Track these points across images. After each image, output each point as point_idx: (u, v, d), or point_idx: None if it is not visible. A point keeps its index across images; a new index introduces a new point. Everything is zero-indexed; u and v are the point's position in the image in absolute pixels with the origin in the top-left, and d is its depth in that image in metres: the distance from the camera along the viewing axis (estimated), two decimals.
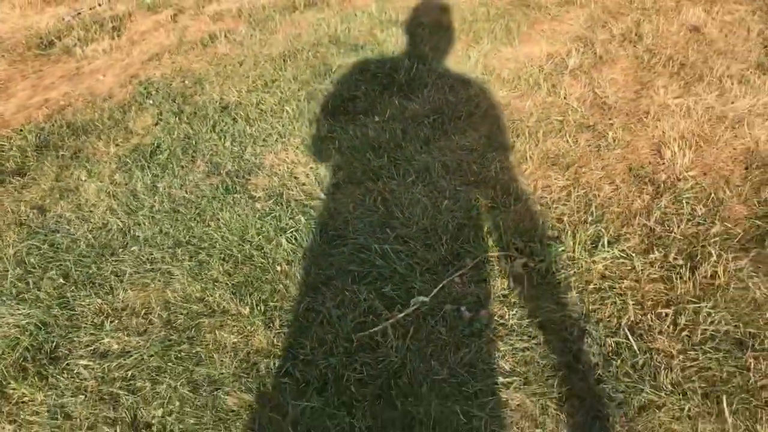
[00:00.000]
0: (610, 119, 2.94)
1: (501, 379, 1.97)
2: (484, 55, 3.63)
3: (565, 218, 2.47)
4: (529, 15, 4.00)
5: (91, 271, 2.56)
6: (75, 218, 2.89)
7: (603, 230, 2.37)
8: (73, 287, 2.51)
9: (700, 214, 2.38)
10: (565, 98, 3.14)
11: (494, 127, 3.03)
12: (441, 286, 2.27)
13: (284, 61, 3.90)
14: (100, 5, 5.51)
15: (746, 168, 2.56)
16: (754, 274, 2.14)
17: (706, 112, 2.86)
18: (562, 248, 2.32)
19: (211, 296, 2.36)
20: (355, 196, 2.75)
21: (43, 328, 2.36)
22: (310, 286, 2.34)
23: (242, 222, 2.67)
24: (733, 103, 2.89)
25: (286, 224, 2.63)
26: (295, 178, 2.90)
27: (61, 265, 2.63)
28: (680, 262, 2.23)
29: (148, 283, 2.48)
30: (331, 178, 2.85)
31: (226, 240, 2.59)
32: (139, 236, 2.71)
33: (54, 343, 2.29)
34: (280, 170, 2.96)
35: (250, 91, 3.66)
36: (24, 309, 2.43)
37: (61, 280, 2.55)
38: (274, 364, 2.10)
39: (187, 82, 3.90)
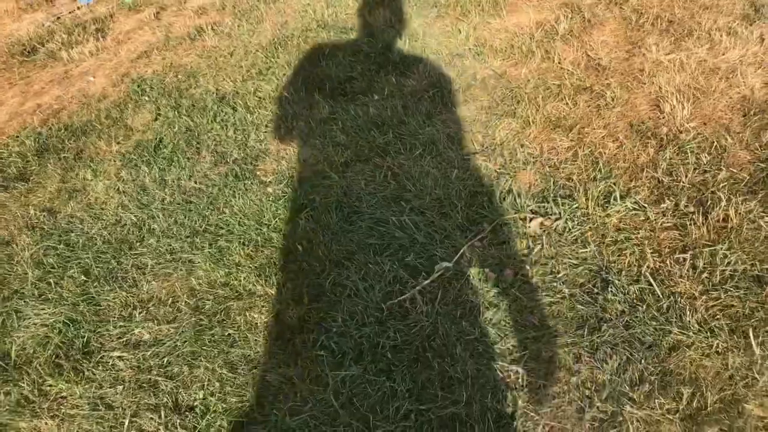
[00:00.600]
0: (606, 79, 2.99)
1: (532, 334, 2.02)
2: (473, 27, 3.66)
3: (575, 177, 2.51)
4: None
5: (111, 266, 2.57)
6: (87, 217, 2.89)
7: (613, 185, 2.42)
8: (95, 283, 2.51)
9: (705, 162, 2.44)
10: (559, 63, 3.18)
11: (493, 96, 3.07)
12: (462, 251, 2.30)
13: (275, 48, 3.90)
14: (79, 8, 5.45)
15: (744, 115, 2.61)
16: (764, 214, 2.20)
17: (699, 65, 2.91)
18: (576, 205, 2.37)
19: (236, 280, 2.38)
20: (365, 172, 2.77)
21: (71, 324, 2.37)
22: (334, 262, 2.37)
23: (257, 206, 2.69)
24: (723, 54, 2.95)
25: (301, 204, 2.65)
26: (304, 160, 2.91)
27: (80, 263, 2.64)
28: (691, 209, 2.29)
29: (170, 273, 2.50)
30: (340, 157, 2.87)
31: (243, 225, 2.61)
32: (155, 229, 2.72)
33: (85, 338, 2.30)
34: (287, 154, 2.98)
35: (245, 80, 3.66)
36: (49, 308, 2.44)
37: (83, 278, 2.55)
38: (309, 338, 2.13)
39: (180, 76, 3.89)
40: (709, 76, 2.84)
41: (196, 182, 2.93)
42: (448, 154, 2.77)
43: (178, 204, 2.82)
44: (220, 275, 2.42)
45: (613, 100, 2.85)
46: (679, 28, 3.20)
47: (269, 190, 2.78)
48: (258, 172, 2.92)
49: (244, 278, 2.38)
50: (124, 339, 2.27)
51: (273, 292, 2.30)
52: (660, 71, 2.93)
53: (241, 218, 2.65)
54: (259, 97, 3.45)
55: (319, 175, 2.81)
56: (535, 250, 2.27)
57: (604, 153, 2.60)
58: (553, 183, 2.51)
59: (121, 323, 2.32)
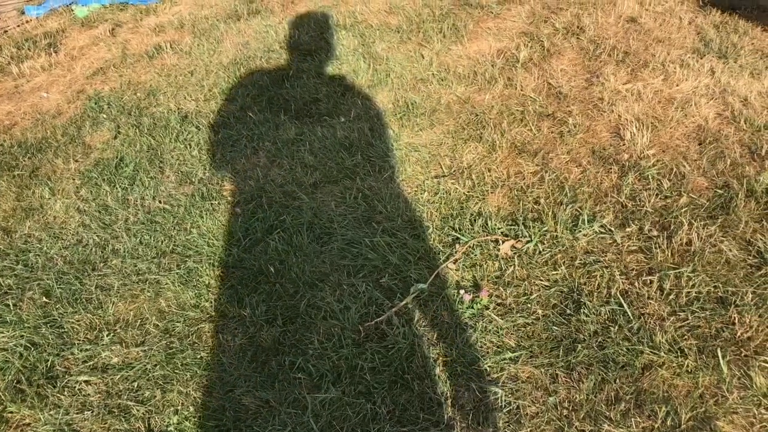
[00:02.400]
0: (567, 107, 3.08)
1: (509, 355, 2.04)
2: (436, 53, 3.72)
3: (542, 200, 2.57)
4: (473, 14, 4.12)
5: (74, 288, 2.48)
6: (46, 237, 2.78)
7: (579, 209, 2.48)
8: (58, 305, 2.42)
9: (666, 188, 2.53)
10: (521, 90, 3.25)
11: (458, 120, 3.11)
12: (436, 273, 2.31)
13: (238, 68, 3.87)
14: (28, 22, 5.29)
15: (700, 143, 2.73)
16: (723, 238, 2.29)
17: (656, 95, 3.03)
18: (546, 228, 2.42)
19: (207, 302, 2.33)
20: (335, 194, 2.77)
21: (33, 348, 2.27)
22: (308, 284, 2.35)
23: (226, 227, 2.64)
24: (677, 85, 3.08)
25: (271, 225, 2.62)
26: (272, 180, 2.89)
27: (40, 284, 2.53)
28: (655, 233, 2.36)
29: (137, 295, 2.43)
30: (309, 178, 2.86)
31: (213, 246, 2.56)
32: (119, 249, 2.64)
33: (49, 362, 2.21)
34: (254, 174, 2.94)
35: (207, 100, 3.62)
36: (8, 332, 2.33)
37: (44, 299, 2.45)
38: (285, 361, 2.09)
39: (139, 94, 3.81)
40: (665, 105, 2.95)
41: (160, 202, 2.86)
42: (417, 177, 2.79)
43: (143, 224, 2.75)
44: (190, 297, 2.36)
45: (575, 127, 2.93)
46: (634, 59, 3.32)
47: (237, 210, 2.74)
48: (225, 192, 2.87)
49: (216, 300, 2.33)
50: (91, 363, 2.18)
51: (246, 314, 2.25)
52: (619, 100, 3.04)
53: (209, 239, 2.60)
54: (224, 117, 3.41)
55: (289, 196, 2.78)
56: (508, 271, 2.30)
57: (569, 178, 2.66)
58: (522, 206, 2.56)
59: (87, 346, 2.23)
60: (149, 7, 5.16)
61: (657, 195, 2.50)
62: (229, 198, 2.83)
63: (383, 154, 2.95)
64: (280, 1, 4.77)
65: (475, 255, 2.37)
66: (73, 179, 3.12)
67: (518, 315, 2.15)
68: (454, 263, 2.36)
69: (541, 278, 2.27)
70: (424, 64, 3.63)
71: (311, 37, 4.13)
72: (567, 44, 3.58)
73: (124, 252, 2.62)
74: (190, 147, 3.19)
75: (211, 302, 2.31)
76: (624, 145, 2.80)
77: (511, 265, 2.31)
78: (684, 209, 2.41)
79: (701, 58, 3.22)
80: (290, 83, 3.61)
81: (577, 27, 3.72)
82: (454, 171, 2.81)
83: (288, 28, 4.28)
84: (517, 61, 3.49)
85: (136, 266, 2.54)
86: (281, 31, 4.25)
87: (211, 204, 2.80)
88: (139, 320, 2.31)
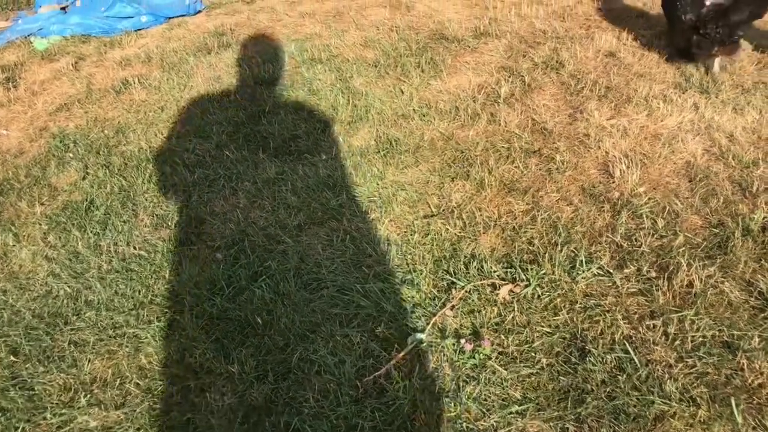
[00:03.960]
0: (553, 143, 3.05)
1: (515, 408, 1.96)
2: (416, 88, 3.68)
3: (536, 241, 2.52)
4: (450, 48, 4.11)
5: (45, 344, 2.33)
6: (11, 287, 2.62)
7: (575, 250, 2.43)
8: (27, 364, 2.26)
9: (660, 227, 2.51)
10: (505, 126, 3.23)
11: (444, 157, 3.07)
12: (433, 321, 2.24)
13: (211, 104, 3.77)
14: None
15: (690, 180, 2.72)
16: (723, 279, 2.26)
17: (642, 131, 3.03)
18: (543, 271, 2.36)
19: (192, 357, 2.21)
20: (321, 236, 2.68)
21: (0, 414, 2.10)
22: (298, 335, 2.24)
23: (207, 274, 2.53)
24: (662, 121, 3.09)
25: (256, 272, 2.51)
26: (254, 223, 2.78)
27: (6, 340, 2.37)
28: (654, 274, 2.33)
29: (115, 351, 2.29)
30: (292, 220, 2.76)
31: (194, 295, 2.44)
32: (93, 300, 2.49)
33: (19, 430, 2.05)
34: (234, 217, 2.83)
35: (180, 137, 3.50)
36: None
37: (11, 358, 2.29)
38: (279, 421, 1.98)
39: (107, 132, 3.67)
40: (652, 141, 2.95)
41: (135, 248, 2.73)
42: (405, 217, 2.72)
43: (118, 272, 2.61)
44: (173, 352, 2.24)
45: (563, 164, 2.90)
46: (617, 94, 3.33)
47: (219, 256, 2.62)
48: (204, 237, 2.76)
49: (200, 355, 2.20)
50: (67, 429, 2.03)
51: (234, 370, 2.13)
52: (605, 136, 3.03)
53: (191, 287, 2.47)
54: (199, 156, 3.30)
55: (273, 240, 2.68)
56: (508, 318, 2.23)
57: (561, 217, 2.62)
58: (516, 247, 2.50)
59: (62, 410, 2.08)
60: (113, 39, 5.03)
61: (652, 234, 2.48)
62: (208, 243, 2.72)
63: (369, 193, 2.87)
64: (251, 35, 4.69)
65: (473, 300, 2.30)
66: (40, 224, 2.96)
67: (522, 365, 2.08)
68: (452, 310, 2.28)
69: (543, 324, 2.21)
70: (405, 99, 3.59)
71: (286, 71, 4.05)
72: (547, 79, 3.58)
73: (99, 303, 2.48)
74: (165, 188, 3.07)
75: (196, 358, 2.19)
76: (614, 182, 2.78)
77: (510, 311, 2.25)
78: (681, 249, 2.38)
79: (683, 93, 3.25)
80: (267, 119, 3.53)
81: (556, 61, 3.73)
82: (443, 210, 2.75)
83: (261, 62, 4.20)
84: (499, 97, 3.47)
85: (112, 319, 2.40)
86: (254, 65, 4.17)
87: (190, 249, 2.68)
88: (119, 379, 2.17)
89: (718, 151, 2.85)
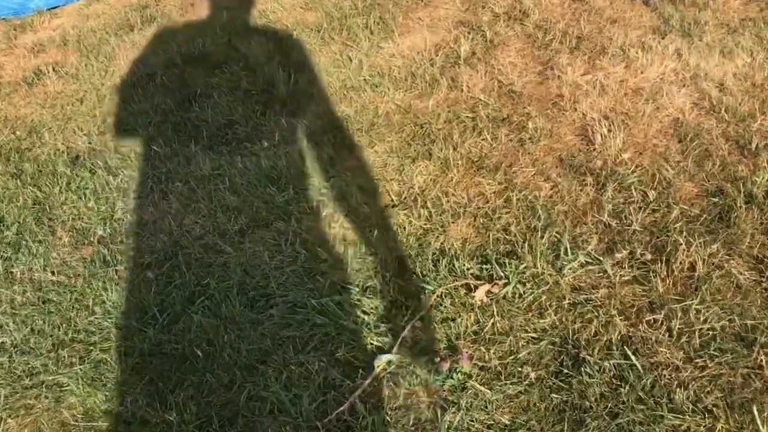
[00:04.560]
0: (523, 108, 2.78)
1: None
2: (365, 54, 3.36)
3: (513, 228, 2.26)
4: (400, 3, 3.77)
5: None
6: None
7: (558, 235, 2.18)
8: None
9: (652, 199, 2.26)
10: (469, 92, 2.94)
11: (402, 135, 2.77)
12: (402, 336, 1.97)
13: (135, 90, 3.40)
14: None
15: (680, 141, 2.48)
16: (729, 257, 2.03)
17: (621, 87, 2.77)
18: (524, 265, 2.11)
19: (122, 405, 1.92)
20: (266, 242, 2.39)
21: None
22: (246, 368, 1.97)
23: (137, 299, 2.23)
24: (642, 73, 2.82)
25: (193, 292, 2.22)
26: (188, 231, 2.47)
27: None
28: (649, 256, 2.10)
29: (32, 405, 2.00)
30: (233, 225, 2.46)
31: (123, 328, 2.15)
32: (4, 342, 2.19)
33: None
34: (166, 225, 2.52)
35: (102, 133, 3.15)
36: None
37: None
38: None
39: (18, 133, 3.30)
40: (633, 98, 2.69)
41: (53, 273, 2.42)
42: (362, 210, 2.44)
43: (34, 305, 2.31)
44: (99, 401, 1.95)
45: (536, 132, 2.63)
46: (590, 44, 3.05)
47: (149, 275, 2.32)
48: (132, 253, 2.44)
49: (132, 402, 1.92)
50: None
51: (172, 419, 1.86)
52: (581, 95, 2.75)
53: (117, 318, 2.17)
54: (122, 154, 2.96)
55: (211, 250, 2.38)
56: (487, 325, 1.98)
57: (539, 196, 2.37)
58: (491, 237, 2.24)
59: None
60: (24, 21, 4.59)
61: (643, 209, 2.23)
62: (137, 259, 2.41)
63: (319, 185, 2.58)
64: (178, 5, 4.29)
65: (446, 307, 2.05)
66: None
67: (508, 381, 1.84)
68: (422, 321, 2.01)
69: (527, 329, 1.96)
70: (353, 68, 3.26)
71: (218, 45, 3.69)
72: (511, 32, 3.28)
73: (12, 345, 2.18)
74: (85, 197, 2.74)
75: (127, 406, 1.91)
76: (595, 149, 2.52)
77: (489, 316, 1.99)
78: (677, 225, 2.14)
79: (663, 39, 2.98)
80: (199, 104, 3.18)
81: (520, 11, 3.43)
82: (406, 199, 2.47)
83: (190, 36, 3.82)
84: (459, 57, 3.17)
85: (28, 364, 2.11)
86: (182, 40, 3.79)
87: (116, 270, 2.37)
88: None
89: (708, 104, 2.59)
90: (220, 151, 2.88)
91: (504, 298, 2.05)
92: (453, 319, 2.02)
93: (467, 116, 2.80)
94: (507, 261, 2.14)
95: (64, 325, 2.22)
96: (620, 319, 1.93)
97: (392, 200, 2.48)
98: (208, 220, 2.52)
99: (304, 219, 2.45)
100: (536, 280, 2.08)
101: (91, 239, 2.54)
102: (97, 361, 2.08)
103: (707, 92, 2.63)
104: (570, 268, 2.07)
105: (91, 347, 2.12)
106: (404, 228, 2.35)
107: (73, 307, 2.27)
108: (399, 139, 2.76)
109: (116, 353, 2.08)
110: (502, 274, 2.10)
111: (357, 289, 2.14)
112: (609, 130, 2.53)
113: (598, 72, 2.88)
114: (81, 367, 2.06)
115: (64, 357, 2.10)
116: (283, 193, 2.56)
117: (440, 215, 2.37)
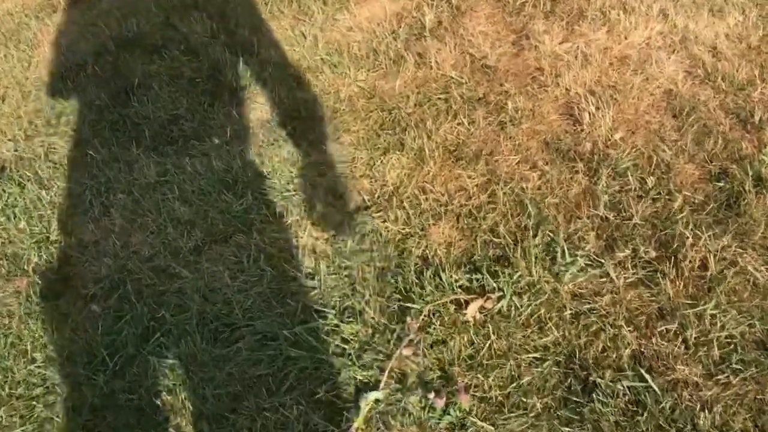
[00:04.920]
0: (500, 85, 2.57)
1: None
2: (319, 28, 3.08)
3: (501, 227, 2.07)
4: None
5: None
6: None
7: (551, 234, 1.99)
8: None
9: (650, 185, 2.09)
10: (438, 68, 2.71)
11: (369, 122, 2.53)
12: (390, 367, 1.78)
13: (64, 83, 3.08)
14: None
15: (674, 116, 2.30)
16: (742, 251, 1.86)
17: (605, 56, 2.57)
18: (519, 273, 1.91)
19: None
20: (226, 259, 2.16)
21: None
22: (214, 418, 1.76)
23: (83, 340, 1.99)
24: (626, 38, 2.63)
25: (146, 327, 1.98)
26: (135, 253, 2.22)
27: None
28: (653, 254, 1.92)
29: None
30: (186, 241, 2.22)
31: (69, 377, 1.90)
32: None
33: None
34: (109, 246, 2.26)
35: (30, 137, 2.84)
36: None
37: None
38: None
39: None
40: (619, 68, 2.50)
41: None
42: (332, 216, 2.21)
43: None
44: None
45: (517, 112, 2.43)
46: (566, 7, 2.84)
47: (94, 308, 2.08)
48: (73, 281, 2.19)
49: None
50: None
51: None
52: (562, 67, 2.54)
53: (60, 365, 1.93)
54: (54, 162, 2.67)
55: (163, 274, 2.15)
56: (483, 348, 1.79)
57: (527, 188, 2.17)
58: (478, 240, 2.04)
59: None
60: None
61: (642, 198, 2.05)
62: (81, 290, 2.16)
63: (281, 188, 2.34)
64: None
65: (435, 328, 1.85)
66: None
67: (512, 414, 1.66)
68: (410, 347, 1.82)
69: (528, 348, 1.79)
70: (308, 45, 2.99)
71: (154, 25, 3.36)
72: None
73: None
74: (14, 217, 2.45)
75: None
76: (583, 130, 2.33)
77: (485, 337, 1.81)
78: (682, 215, 1.97)
79: None
80: (137, 97, 2.89)
81: None
82: (379, 198, 2.24)
83: (122, 15, 3.47)
84: (424, 28, 2.92)
85: None
86: (112, 20, 3.45)
87: (56, 304, 2.12)
88: None
89: (702, 71, 2.41)
90: (165, 152, 2.61)
91: (499, 313, 1.86)
92: (444, 342, 1.84)
93: (439, 97, 2.57)
94: (499, 269, 1.95)
95: (0, 377, 1.96)
96: (629, 331, 1.77)
97: (364, 201, 2.25)
98: (157, 237, 2.27)
99: (267, 229, 2.22)
100: (533, 290, 1.90)
101: (25, 267, 2.27)
102: (42, 420, 1.84)
103: (700, 58, 2.45)
104: (570, 274, 1.89)
105: (34, 403, 1.88)
106: (380, 234, 2.13)
107: (9, 353, 2.02)
108: (366, 128, 2.53)
109: (63, 409, 1.84)
110: (494, 285, 1.91)
111: (333, 312, 1.94)
112: (597, 108, 2.34)
113: (578, 39, 2.67)
114: (23, 429, 1.82)
115: (2, 418, 1.86)
116: (241, 200, 2.32)
117: (419, 216, 2.16)
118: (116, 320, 2.04)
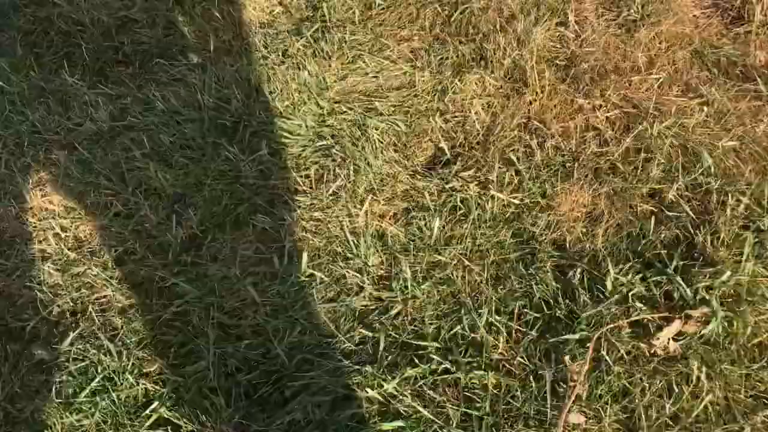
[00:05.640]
0: None
1: None
2: None
3: (668, 191, 1.39)
4: None
5: None
6: None
7: (741, 198, 1.33)
8: None
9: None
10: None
11: (424, 23, 1.76)
12: None
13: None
14: None
15: None
16: None
17: None
18: (725, 274, 1.26)
19: None
20: (243, 261, 1.42)
21: None
22: None
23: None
24: None
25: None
26: (91, 255, 1.45)
27: None
28: None
29: None
30: (174, 231, 1.46)
31: None
32: None
33: None
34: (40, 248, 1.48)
35: None
36: None
37: None
38: None
39: None
40: None
41: None
42: (396, 179, 1.49)
43: None
44: None
45: (643, 7, 1.69)
46: None
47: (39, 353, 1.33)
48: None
49: None
50: None
51: None
52: None
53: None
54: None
55: (143, 307, 1.40)
56: (698, 406, 1.15)
57: (690, 126, 1.49)
58: (638, 211, 1.36)
59: None
60: None
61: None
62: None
63: (310, 134, 1.59)
64: None
65: (611, 370, 1.20)
66: None
67: None
68: (578, 414, 1.17)
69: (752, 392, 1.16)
70: None
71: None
72: None
73: None
74: None
75: None
76: (749, 32, 1.62)
77: (689, 380, 1.16)
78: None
79: None
80: None
81: None
82: (464, 148, 1.52)
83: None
84: None
85: None
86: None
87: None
88: None
89: None
90: (117, 78, 1.78)
91: (708, 342, 1.20)
92: (626, 394, 1.18)
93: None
94: (689, 267, 1.27)
95: None
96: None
97: (442, 151, 1.53)
98: (126, 225, 1.49)
99: (301, 204, 1.48)
100: (747, 297, 1.24)
101: None
102: None
103: None
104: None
105: None
106: (482, 208, 1.42)
107: None
108: (422, 33, 1.75)
109: None
110: (690, 295, 1.24)
111: (435, 347, 1.24)
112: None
113: None
114: None
115: None
116: (253, 156, 1.55)
117: (534, 176, 1.45)
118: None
